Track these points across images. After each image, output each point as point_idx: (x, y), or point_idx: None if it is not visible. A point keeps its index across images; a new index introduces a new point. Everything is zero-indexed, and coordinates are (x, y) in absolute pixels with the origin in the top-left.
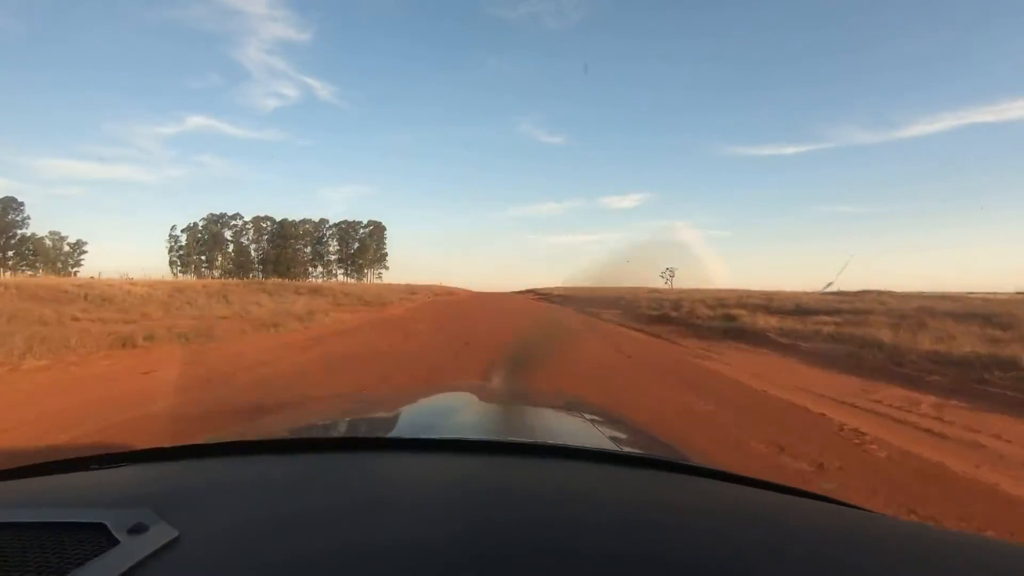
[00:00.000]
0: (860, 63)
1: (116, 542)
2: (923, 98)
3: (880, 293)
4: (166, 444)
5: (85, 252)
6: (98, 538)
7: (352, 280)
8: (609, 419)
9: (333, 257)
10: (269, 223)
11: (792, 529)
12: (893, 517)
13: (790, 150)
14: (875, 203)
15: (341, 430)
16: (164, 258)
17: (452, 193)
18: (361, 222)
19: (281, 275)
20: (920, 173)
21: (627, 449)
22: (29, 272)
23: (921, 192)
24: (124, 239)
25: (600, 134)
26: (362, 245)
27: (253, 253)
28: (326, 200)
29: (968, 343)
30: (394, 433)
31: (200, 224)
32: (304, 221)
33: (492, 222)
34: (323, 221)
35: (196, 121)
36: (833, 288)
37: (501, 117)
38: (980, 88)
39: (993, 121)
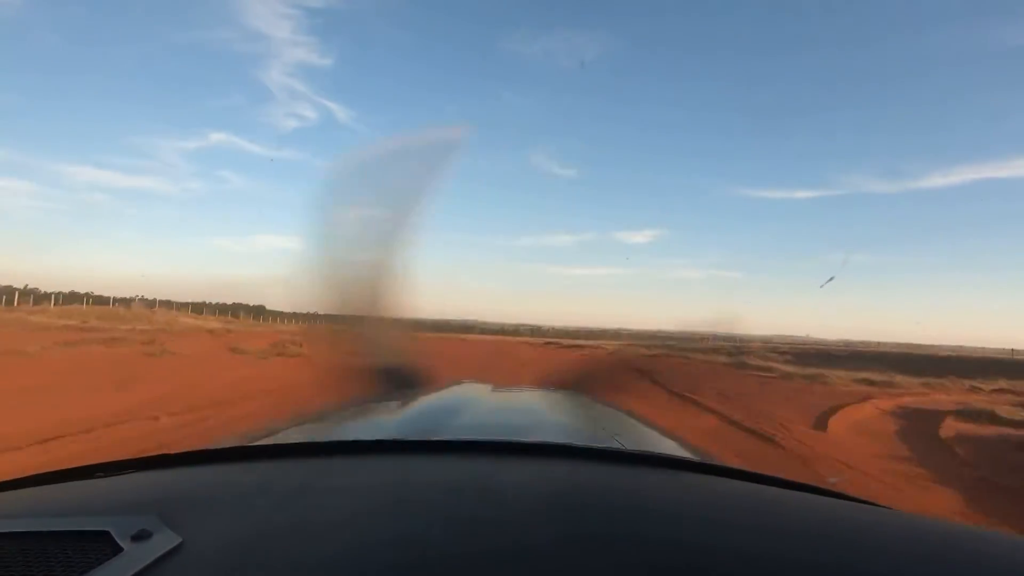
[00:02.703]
0: (873, 114)
1: (120, 549)
2: (938, 151)
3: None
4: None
5: None
6: (102, 546)
7: None
8: (616, 417)
9: None
10: None
11: (799, 525)
12: (907, 513)
13: (801, 194)
14: (886, 254)
15: (345, 434)
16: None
17: (465, 221)
18: None
19: None
20: (933, 226)
21: (634, 448)
22: None
23: (932, 245)
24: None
25: (612, 170)
26: None
27: None
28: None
29: None
30: (399, 436)
31: None
32: None
33: (503, 251)
34: None
35: (218, 137)
36: (832, 284)
37: (515, 148)
38: (994, 144)
39: (1008, 176)
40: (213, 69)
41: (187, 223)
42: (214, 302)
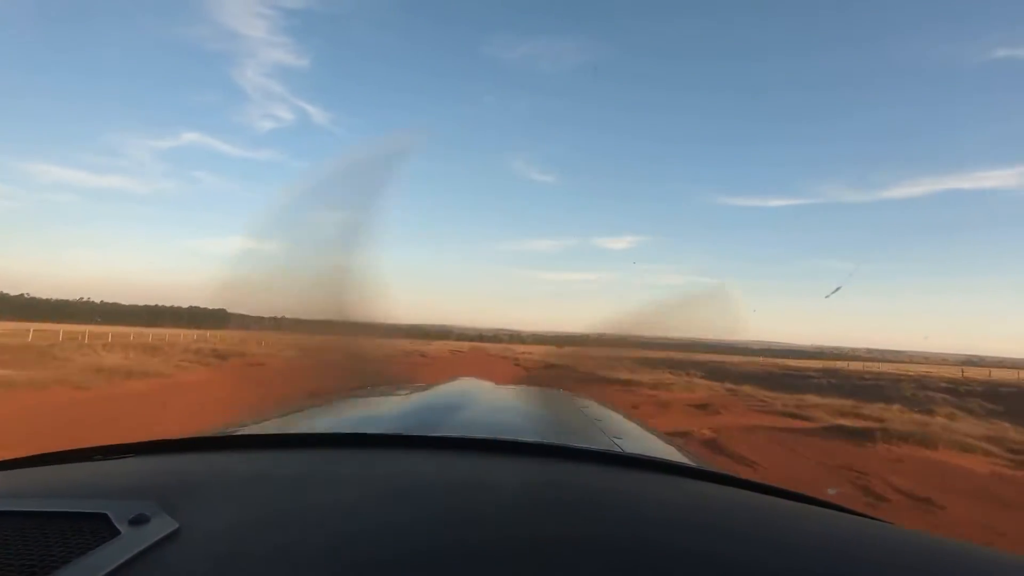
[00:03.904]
0: (847, 125)
1: (117, 532)
2: (907, 162)
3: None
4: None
5: None
6: (99, 528)
7: None
8: (615, 419)
9: None
10: None
11: (793, 535)
12: (896, 526)
13: (775, 203)
14: (859, 260)
15: (345, 426)
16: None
17: (443, 225)
18: None
19: None
20: (904, 233)
21: (631, 451)
22: None
23: (904, 253)
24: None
25: (591, 176)
26: None
27: None
28: (316, 224)
29: None
30: (398, 430)
31: None
32: None
33: (483, 256)
34: None
35: (191, 137)
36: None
37: (494, 153)
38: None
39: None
40: (186, 67)
41: (158, 224)
42: (167, 305)
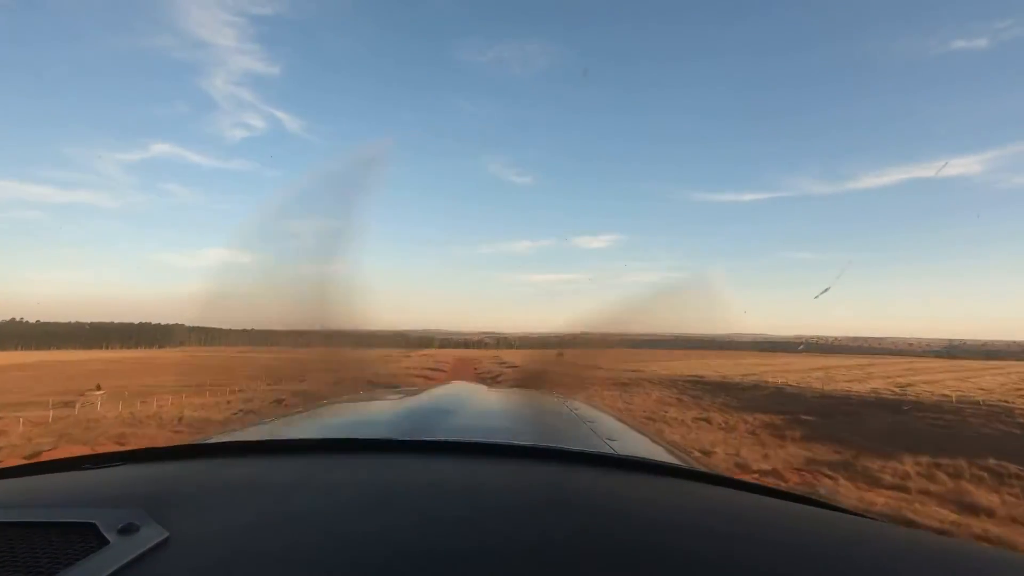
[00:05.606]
0: (813, 120)
1: (106, 542)
2: (871, 154)
3: None
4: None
5: None
6: (88, 538)
7: None
8: (607, 422)
9: None
10: None
11: (789, 535)
12: (892, 524)
13: (748, 197)
14: (831, 251)
15: (336, 431)
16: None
17: (424, 230)
18: None
19: None
20: (871, 223)
21: (624, 453)
22: None
23: (871, 242)
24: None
25: (568, 177)
26: None
27: None
28: (291, 232)
29: None
30: (390, 435)
31: None
32: None
33: (464, 260)
34: None
35: (161, 148)
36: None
37: (471, 157)
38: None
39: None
40: (152, 77)
41: (128, 238)
42: (114, 322)
